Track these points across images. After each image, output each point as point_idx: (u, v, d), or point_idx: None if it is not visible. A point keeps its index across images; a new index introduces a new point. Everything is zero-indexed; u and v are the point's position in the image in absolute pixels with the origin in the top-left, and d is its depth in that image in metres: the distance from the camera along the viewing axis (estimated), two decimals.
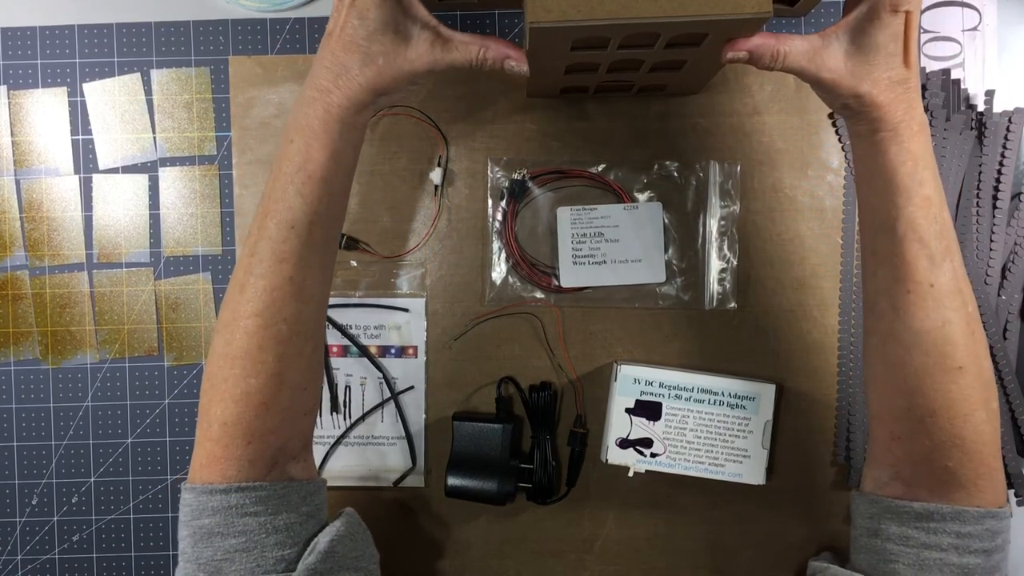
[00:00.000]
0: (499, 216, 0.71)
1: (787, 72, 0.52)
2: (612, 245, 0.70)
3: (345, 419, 0.71)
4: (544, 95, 0.70)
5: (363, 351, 0.71)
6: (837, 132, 0.71)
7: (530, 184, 0.70)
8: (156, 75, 0.71)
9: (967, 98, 0.70)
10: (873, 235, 0.53)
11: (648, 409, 0.67)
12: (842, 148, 0.71)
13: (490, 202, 0.71)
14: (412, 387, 0.71)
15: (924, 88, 0.69)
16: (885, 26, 0.49)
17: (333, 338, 0.71)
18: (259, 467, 0.51)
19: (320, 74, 0.52)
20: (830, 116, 0.71)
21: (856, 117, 0.52)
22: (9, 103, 0.71)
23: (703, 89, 0.70)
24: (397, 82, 0.52)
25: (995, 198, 0.69)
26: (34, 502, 0.72)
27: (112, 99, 0.71)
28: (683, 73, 0.62)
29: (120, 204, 0.71)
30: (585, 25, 0.47)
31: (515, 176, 0.71)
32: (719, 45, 0.52)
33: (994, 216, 0.69)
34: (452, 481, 0.68)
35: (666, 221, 0.70)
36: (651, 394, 0.67)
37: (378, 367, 0.71)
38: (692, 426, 0.67)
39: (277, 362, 0.51)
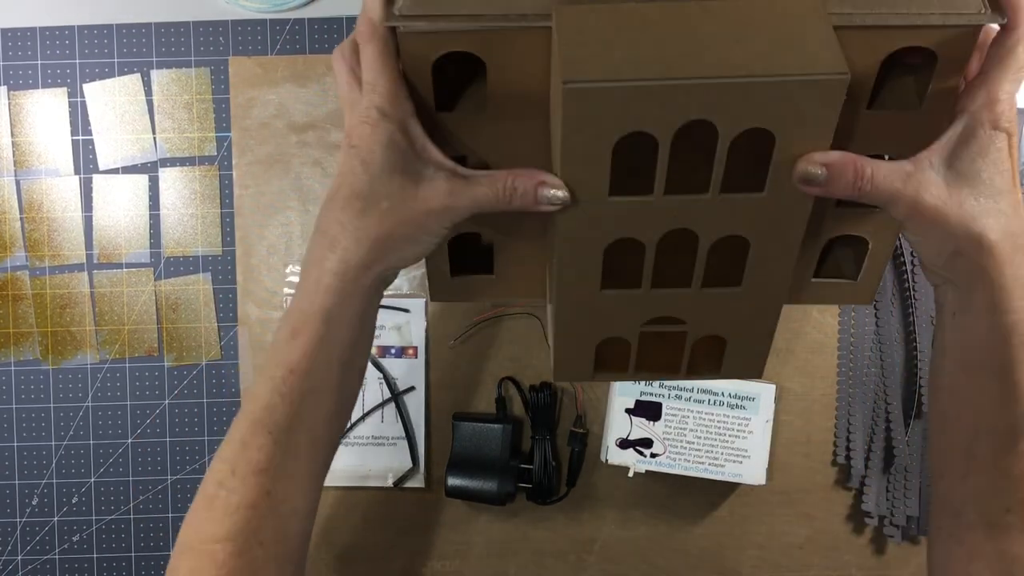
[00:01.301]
0: None
1: (874, 201, 0.42)
2: None
3: None
4: (575, 370, 0.54)
5: None
6: None
7: None
8: (156, 75, 0.71)
9: None
10: (972, 437, 0.44)
11: (648, 409, 0.67)
12: None
13: None
14: (412, 387, 0.71)
15: None
16: (984, 150, 0.41)
17: None
18: None
19: (315, 242, 0.44)
20: None
21: (961, 276, 0.43)
22: (9, 103, 0.71)
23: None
24: (407, 227, 0.43)
25: None
26: (34, 502, 0.72)
27: (112, 99, 0.71)
28: (743, 299, 0.49)
29: (120, 204, 0.71)
30: (632, 87, 0.39)
31: None
32: (792, 202, 0.42)
33: None
34: (452, 481, 0.68)
35: None
36: (651, 394, 0.67)
37: (378, 367, 0.71)
38: (692, 426, 0.67)
39: None
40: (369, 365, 0.70)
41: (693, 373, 0.53)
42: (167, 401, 0.72)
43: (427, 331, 0.71)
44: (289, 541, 0.46)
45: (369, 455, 0.71)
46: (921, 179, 0.41)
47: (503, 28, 0.42)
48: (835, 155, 0.41)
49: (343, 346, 0.45)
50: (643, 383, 0.67)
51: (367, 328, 0.47)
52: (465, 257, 0.56)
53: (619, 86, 0.39)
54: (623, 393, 0.67)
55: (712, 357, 0.53)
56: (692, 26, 0.40)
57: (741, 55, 0.39)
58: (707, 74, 0.39)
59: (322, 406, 0.46)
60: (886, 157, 0.48)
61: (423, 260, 0.49)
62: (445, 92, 0.46)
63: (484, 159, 0.49)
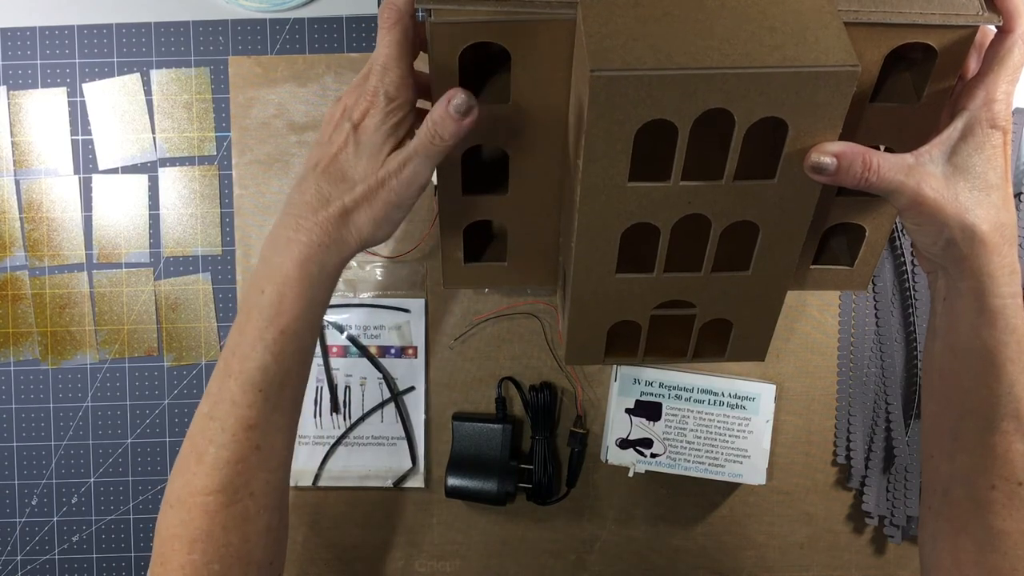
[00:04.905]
0: None
1: (878, 191, 0.44)
2: None
3: (345, 419, 0.71)
4: (586, 354, 0.57)
5: (363, 351, 0.71)
6: None
7: None
8: (156, 75, 0.71)
9: None
10: (958, 416, 0.47)
11: (648, 409, 0.67)
12: None
13: None
14: (412, 387, 0.71)
15: None
16: (980, 146, 0.44)
17: (333, 338, 0.71)
18: None
19: (298, 210, 0.47)
20: None
21: (953, 262, 0.45)
22: (9, 103, 0.71)
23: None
24: (395, 209, 0.48)
25: None
26: (34, 502, 0.72)
27: (112, 99, 0.71)
28: (751, 285, 0.51)
29: (120, 204, 0.71)
30: (656, 75, 0.41)
31: None
32: (802, 191, 0.45)
33: None
34: (452, 481, 0.68)
35: None
36: (651, 394, 0.67)
37: (378, 367, 0.71)
38: (692, 426, 0.67)
39: (243, 543, 0.46)
40: (369, 365, 0.71)
41: (699, 357, 0.56)
42: (167, 401, 0.72)
43: (427, 331, 0.71)
44: (276, 491, 0.48)
45: (369, 455, 0.71)
46: (922, 172, 0.44)
47: (529, 18, 0.45)
48: (844, 146, 0.43)
49: (323, 307, 0.49)
50: (643, 383, 0.67)
51: (330, 296, 0.50)
52: (478, 245, 0.58)
53: (644, 74, 0.41)
54: (623, 393, 0.67)
55: (717, 341, 0.55)
56: (711, 21, 0.43)
57: (758, 48, 0.41)
58: (727, 64, 0.41)
59: (305, 362, 0.49)
60: (882, 148, 0.50)
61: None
62: (466, 86, 0.48)
63: (502, 147, 0.51)
